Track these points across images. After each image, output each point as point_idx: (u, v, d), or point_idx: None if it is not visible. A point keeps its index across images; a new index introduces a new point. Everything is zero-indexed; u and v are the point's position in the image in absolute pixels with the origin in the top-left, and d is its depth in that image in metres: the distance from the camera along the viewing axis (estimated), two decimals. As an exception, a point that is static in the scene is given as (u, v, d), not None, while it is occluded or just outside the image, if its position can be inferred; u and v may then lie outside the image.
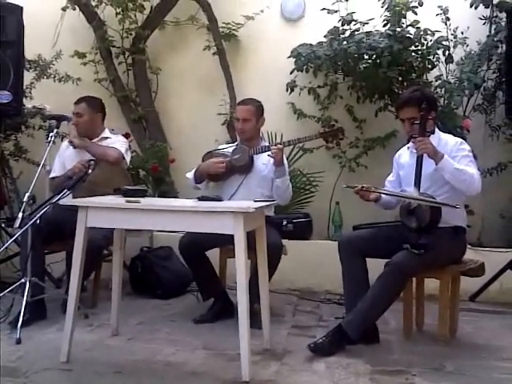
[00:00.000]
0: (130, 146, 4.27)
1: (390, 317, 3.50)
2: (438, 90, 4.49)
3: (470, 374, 2.81)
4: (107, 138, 4.08)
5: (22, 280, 3.37)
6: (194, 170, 3.83)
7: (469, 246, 3.50)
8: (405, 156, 3.43)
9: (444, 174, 3.06)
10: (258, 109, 3.78)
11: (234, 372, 2.73)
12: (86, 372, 2.73)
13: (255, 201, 3.05)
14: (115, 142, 4.05)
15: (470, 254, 3.58)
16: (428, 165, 3.11)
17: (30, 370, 2.73)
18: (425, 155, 3.07)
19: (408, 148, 3.42)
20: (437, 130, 3.33)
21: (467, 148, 3.23)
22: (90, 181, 3.42)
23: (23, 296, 3.30)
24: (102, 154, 3.88)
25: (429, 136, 3.15)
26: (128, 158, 4.08)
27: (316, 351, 3.00)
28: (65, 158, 4.06)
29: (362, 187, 3.26)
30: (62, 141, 4.24)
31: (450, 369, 2.87)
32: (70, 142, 3.99)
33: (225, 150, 3.89)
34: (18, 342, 3.08)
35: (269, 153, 3.56)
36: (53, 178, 4.05)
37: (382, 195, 3.32)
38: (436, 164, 3.06)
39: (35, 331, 3.31)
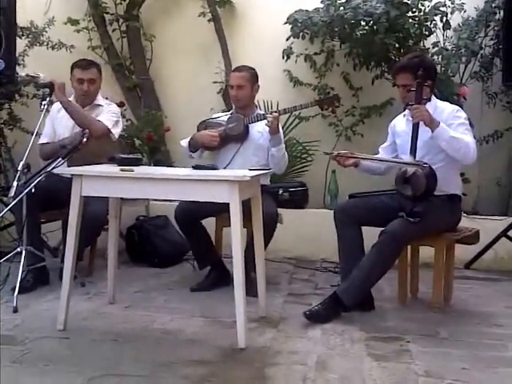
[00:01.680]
0: (123, 115, 4.15)
1: (385, 284, 3.53)
2: (435, 57, 4.45)
3: (463, 339, 2.84)
4: (99, 105, 3.91)
5: (18, 249, 3.38)
6: (188, 139, 3.81)
7: (464, 214, 3.52)
8: (401, 124, 3.41)
9: (440, 142, 3.05)
10: (253, 75, 3.75)
11: (230, 339, 2.74)
12: (82, 340, 2.75)
13: (250, 169, 3.05)
14: (105, 111, 3.86)
15: (465, 222, 3.59)
16: (424, 133, 3.09)
17: (28, 338, 2.74)
18: (421, 123, 3.06)
19: (404, 116, 3.41)
20: (433, 97, 3.31)
21: (463, 116, 3.21)
22: (83, 150, 3.38)
23: (22, 265, 3.29)
24: (85, 124, 3.63)
25: (425, 103, 3.13)
26: (117, 131, 3.87)
27: (311, 318, 3.02)
28: (56, 121, 3.92)
29: (338, 153, 3.31)
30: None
31: (443, 335, 2.90)
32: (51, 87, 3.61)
33: (219, 118, 3.85)
34: (15, 310, 3.09)
35: (265, 121, 3.54)
36: (43, 143, 3.91)
37: (362, 161, 3.35)
38: (432, 132, 3.04)
39: (32, 300, 3.32)
